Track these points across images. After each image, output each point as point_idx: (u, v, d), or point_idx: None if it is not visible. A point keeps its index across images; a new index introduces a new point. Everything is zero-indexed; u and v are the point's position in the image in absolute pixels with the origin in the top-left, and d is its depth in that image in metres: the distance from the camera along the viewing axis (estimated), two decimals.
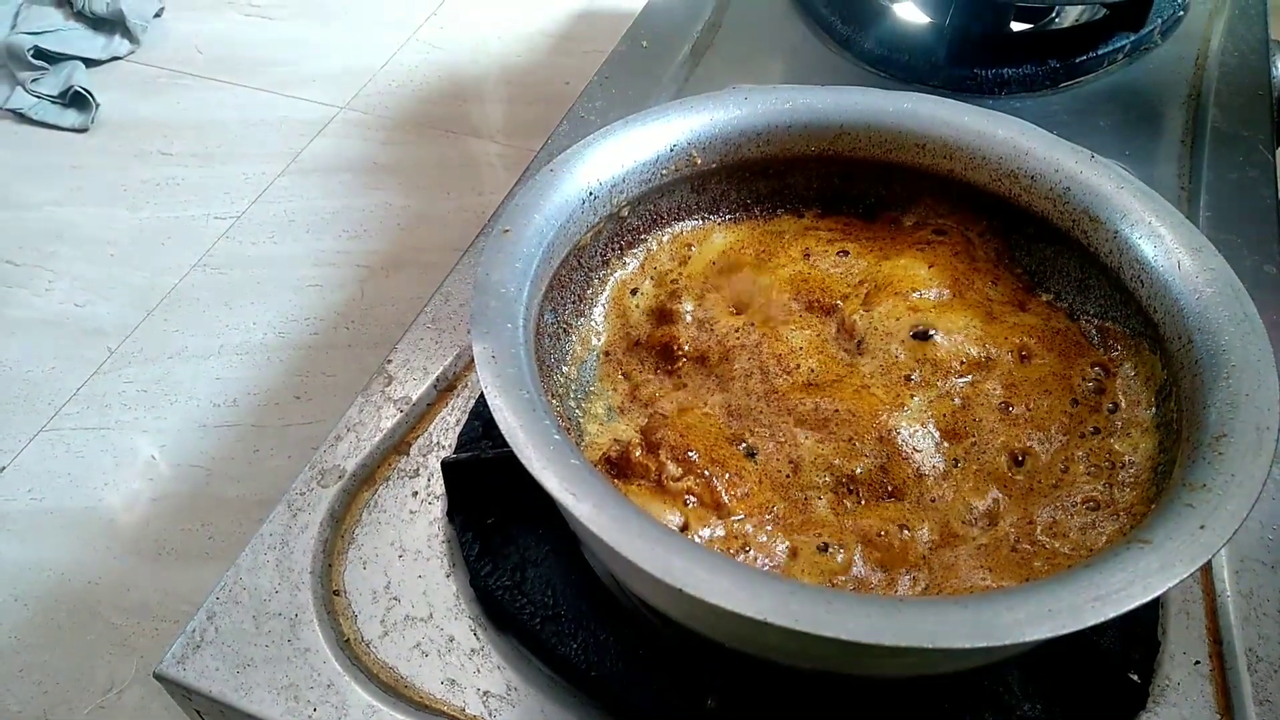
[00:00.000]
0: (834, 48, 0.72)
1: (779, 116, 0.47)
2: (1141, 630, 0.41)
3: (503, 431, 0.33)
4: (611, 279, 0.47)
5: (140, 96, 1.04)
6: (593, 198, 0.44)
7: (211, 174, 0.95)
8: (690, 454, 0.39)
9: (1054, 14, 0.72)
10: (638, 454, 0.40)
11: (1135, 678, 0.38)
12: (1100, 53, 0.70)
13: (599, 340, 0.46)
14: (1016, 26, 0.72)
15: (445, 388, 0.51)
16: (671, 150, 0.46)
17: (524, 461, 0.32)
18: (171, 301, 0.83)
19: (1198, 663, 0.41)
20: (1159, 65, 0.71)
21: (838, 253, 0.48)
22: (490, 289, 0.38)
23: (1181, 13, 0.74)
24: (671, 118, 0.46)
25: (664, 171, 0.46)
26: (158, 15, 1.12)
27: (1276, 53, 0.73)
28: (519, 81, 1.05)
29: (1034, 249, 0.46)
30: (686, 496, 0.39)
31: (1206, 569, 0.44)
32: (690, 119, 0.46)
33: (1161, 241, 0.40)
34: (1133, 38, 0.70)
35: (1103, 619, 0.27)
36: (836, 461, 0.40)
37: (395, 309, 0.82)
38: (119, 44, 1.08)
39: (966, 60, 0.68)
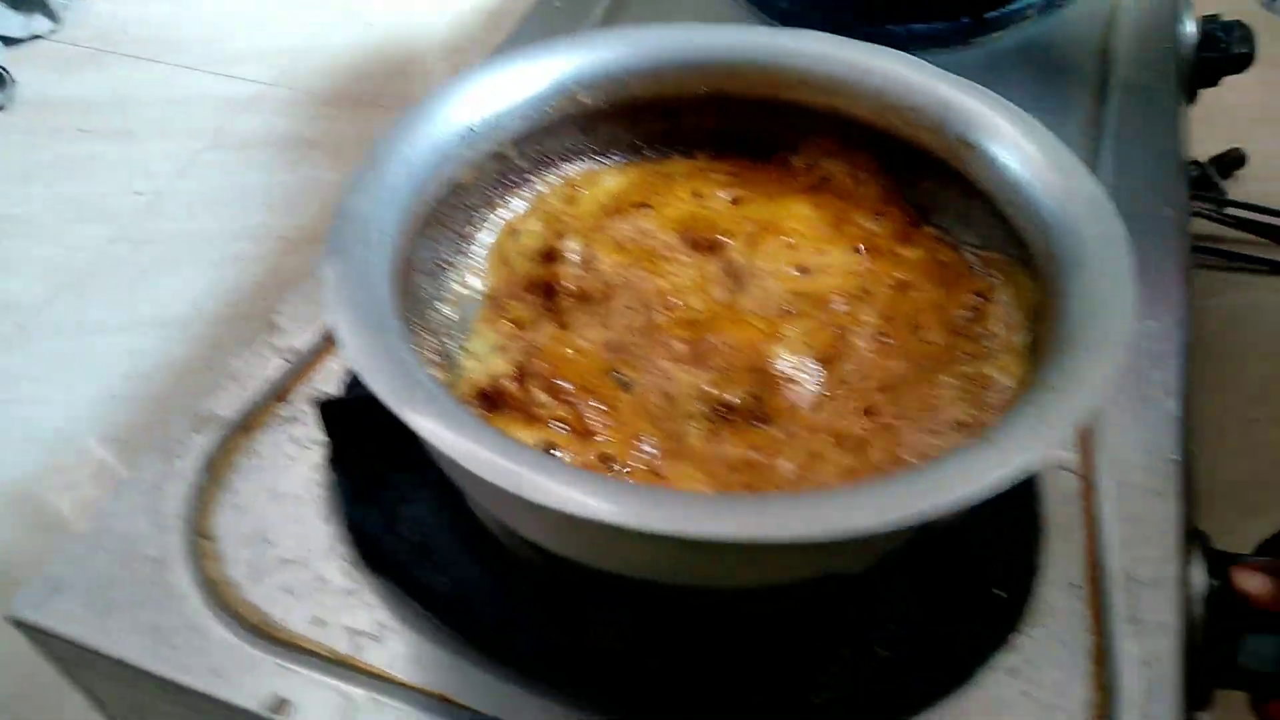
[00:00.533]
0: (747, 7, 0.71)
1: (666, 54, 0.46)
2: (1019, 555, 0.41)
3: (341, 346, 0.32)
4: (497, 219, 0.46)
5: (60, 75, 1.02)
6: (472, 133, 0.43)
7: (132, 150, 0.93)
8: (561, 384, 0.39)
9: None
10: (508, 386, 0.39)
11: (1001, 593, 0.38)
12: (1011, 9, 0.70)
13: (481, 281, 0.45)
14: None
15: (330, 338, 0.50)
16: (556, 87, 0.45)
17: (359, 373, 0.31)
18: (85, 276, 0.81)
19: (1075, 585, 0.41)
20: (1071, 22, 0.72)
21: (726, 194, 0.47)
22: (350, 216, 0.37)
23: None
24: (555, 54, 0.45)
25: (549, 109, 0.45)
26: None
27: (1186, 9, 0.74)
28: (451, 59, 1.04)
29: (920, 183, 0.45)
30: (554, 423, 0.38)
31: (1091, 495, 0.43)
32: (575, 56, 0.46)
33: (1031, 162, 0.40)
34: None
35: (931, 508, 0.27)
36: (711, 391, 0.40)
37: (314, 282, 0.80)
38: (39, 22, 1.06)
39: (877, 17, 0.68)
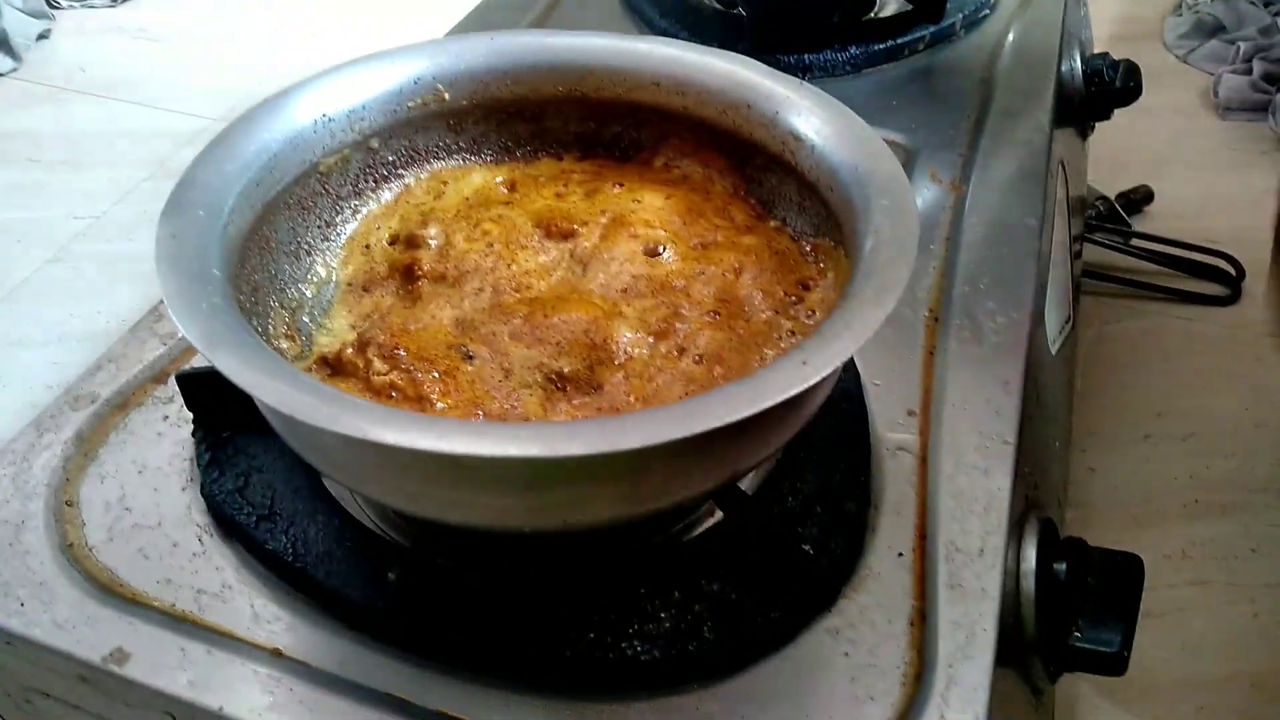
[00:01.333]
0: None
1: (524, 56, 0.49)
2: (846, 524, 0.42)
3: (164, 298, 0.34)
4: (363, 209, 0.49)
5: (16, 109, 1.06)
6: (328, 120, 0.46)
7: (76, 178, 0.97)
8: (399, 352, 0.41)
9: (874, 6, 0.77)
10: (348, 353, 0.41)
11: (810, 550, 0.40)
12: (900, 41, 0.74)
13: (342, 265, 0.47)
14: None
15: None
16: (415, 83, 0.48)
17: (171, 314, 0.33)
18: (18, 294, 0.84)
19: (900, 554, 0.42)
20: (958, 55, 0.75)
21: (586, 191, 0.50)
22: (191, 182, 0.40)
23: (987, 11, 0.79)
24: (415, 53, 0.49)
25: (410, 104, 0.48)
26: (43, 36, 1.15)
27: (1071, 46, 0.78)
28: None
29: (763, 179, 0.48)
30: (390, 391, 0.40)
31: (922, 470, 0.45)
32: (436, 55, 0.49)
33: (846, 151, 0.42)
34: (932, 29, 0.75)
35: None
36: (547, 362, 0.42)
37: None
38: (1, 61, 1.10)
39: (771, 48, 0.72)
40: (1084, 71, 0.77)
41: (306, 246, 0.46)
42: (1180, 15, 1.23)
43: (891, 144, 0.65)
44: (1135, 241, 0.92)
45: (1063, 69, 0.75)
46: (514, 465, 0.32)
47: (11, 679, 0.42)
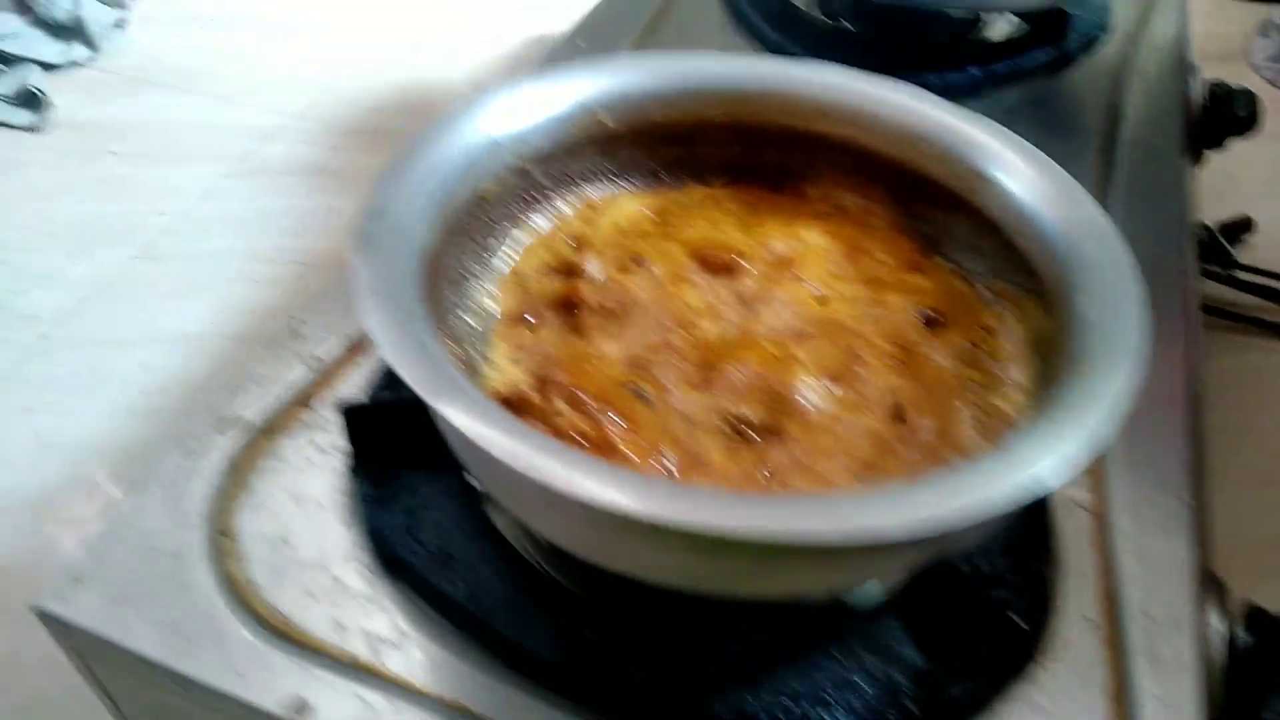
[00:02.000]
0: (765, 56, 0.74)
1: (684, 80, 0.48)
2: (1035, 588, 0.41)
3: (372, 336, 0.33)
4: (517, 234, 0.48)
5: (95, 100, 1.05)
6: (496, 145, 0.44)
7: (159, 173, 0.96)
8: (581, 395, 0.40)
9: (979, 25, 0.75)
10: (530, 394, 0.40)
11: (1018, 620, 0.38)
12: (1020, 64, 0.72)
13: (501, 291, 0.46)
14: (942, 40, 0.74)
15: (354, 347, 0.51)
16: (579, 108, 0.47)
17: (391, 363, 0.32)
18: (107, 291, 0.83)
19: (1091, 621, 0.41)
20: (1078, 80, 0.74)
21: (741, 222, 0.49)
22: (380, 209, 0.39)
23: (1101, 32, 0.77)
24: (577, 76, 0.47)
25: (571, 130, 0.47)
26: (119, 25, 1.14)
27: (1192, 73, 0.76)
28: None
29: (931, 215, 0.47)
30: (573, 433, 0.39)
31: (1105, 532, 0.44)
32: (597, 78, 0.47)
33: (1041, 193, 0.41)
34: (1052, 52, 0.73)
35: (953, 515, 0.28)
36: (727, 406, 0.41)
37: (334, 303, 0.82)
38: (78, 50, 1.09)
39: (889, 68, 0.70)
40: (1204, 98, 0.76)
41: (467, 273, 0.45)
42: (1269, 37, 1.20)
43: None
44: (1237, 274, 0.90)
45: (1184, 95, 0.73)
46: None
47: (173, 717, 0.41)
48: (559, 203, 0.49)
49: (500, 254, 0.47)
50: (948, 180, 0.45)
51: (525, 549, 0.42)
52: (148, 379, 0.76)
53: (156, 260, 0.86)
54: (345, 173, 0.96)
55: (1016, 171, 0.42)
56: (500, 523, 0.43)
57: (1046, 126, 0.69)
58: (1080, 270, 0.38)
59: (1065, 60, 0.74)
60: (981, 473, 0.31)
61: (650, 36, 0.76)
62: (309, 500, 0.45)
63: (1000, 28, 0.76)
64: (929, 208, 0.47)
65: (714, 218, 0.49)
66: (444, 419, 0.31)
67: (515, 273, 0.47)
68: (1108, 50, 0.77)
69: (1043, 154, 0.42)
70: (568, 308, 0.45)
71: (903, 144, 0.46)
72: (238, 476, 0.45)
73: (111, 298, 0.82)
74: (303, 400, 0.49)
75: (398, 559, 0.41)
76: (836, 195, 0.49)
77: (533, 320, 0.45)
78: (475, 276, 0.46)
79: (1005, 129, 0.44)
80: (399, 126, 1.02)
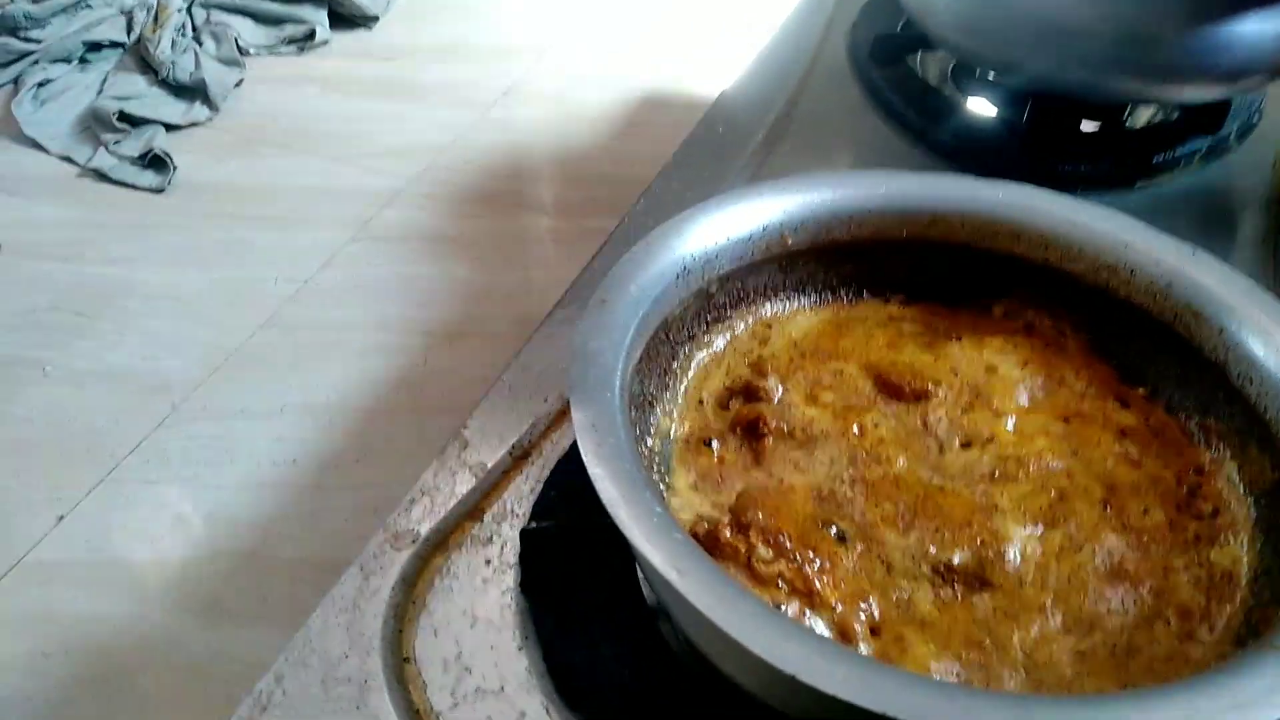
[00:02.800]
0: (907, 139, 0.72)
1: (872, 200, 0.47)
2: None
3: (604, 502, 0.32)
4: (697, 354, 0.47)
5: (216, 161, 1.07)
6: (686, 272, 0.44)
7: (281, 238, 0.97)
8: (781, 537, 0.38)
9: (1127, 114, 0.73)
10: (727, 534, 0.39)
11: None
12: (1176, 154, 0.70)
13: (682, 414, 0.45)
14: (1088, 126, 0.72)
15: (520, 455, 0.51)
16: (764, 229, 0.46)
17: (627, 534, 0.31)
18: (237, 360, 0.84)
19: None
20: (1236, 168, 0.71)
21: (922, 342, 0.47)
22: (589, 357, 0.38)
23: (1257, 118, 0.75)
24: (765, 197, 0.46)
25: (755, 250, 0.46)
26: (238, 85, 1.16)
27: None
28: (583, 162, 1.07)
29: (1131, 342, 0.45)
30: (777, 581, 0.38)
31: None
32: (783, 199, 0.47)
33: (1271, 339, 0.39)
34: (1210, 140, 0.70)
35: None
36: (932, 551, 0.39)
37: (457, 377, 0.82)
38: (199, 110, 1.11)
39: (1041, 156, 0.68)
40: None
41: (651, 398, 0.44)
42: None
43: None
44: None
45: None
46: None
47: None
48: (735, 321, 0.48)
49: (679, 374, 0.46)
50: (1157, 312, 0.43)
51: (713, 683, 0.41)
52: (278, 451, 0.77)
53: (283, 329, 0.87)
54: (463, 239, 0.97)
55: (1243, 314, 0.40)
56: (683, 655, 0.42)
57: (1207, 220, 0.67)
58: None
59: (1223, 149, 0.71)
60: (1239, 679, 0.29)
61: (787, 118, 0.75)
62: (484, 622, 0.44)
63: (1147, 113, 0.74)
64: (1128, 334, 0.45)
65: (894, 338, 0.48)
66: (677, 596, 0.30)
67: (690, 397, 0.46)
68: (1265, 134, 0.74)
69: (1256, 284, 0.40)
70: (750, 433, 0.44)
71: (1106, 272, 0.44)
72: (414, 595, 0.45)
73: (241, 366, 0.84)
74: (473, 514, 0.48)
75: (579, 691, 0.40)
76: (1025, 314, 0.48)
77: (713, 445, 0.44)
78: (659, 400, 0.45)
79: (1222, 263, 0.42)
80: (509, 191, 1.03)
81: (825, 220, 0.47)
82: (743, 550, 0.38)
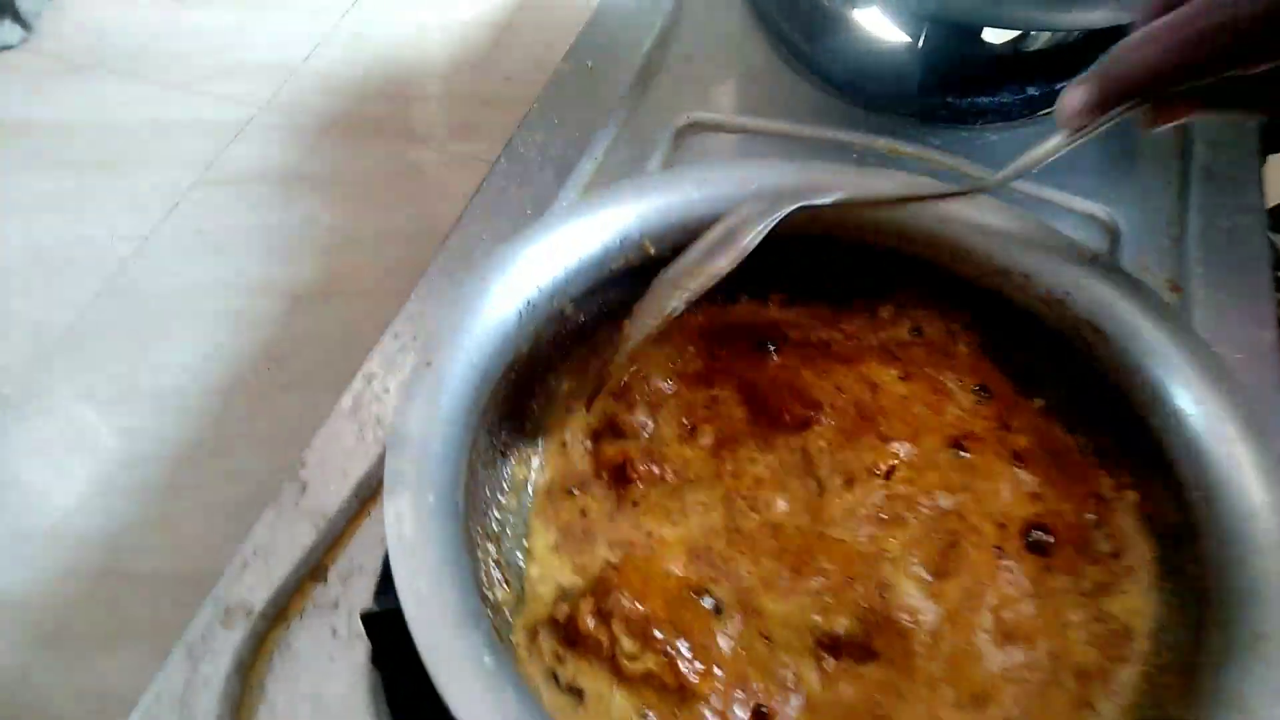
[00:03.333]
0: (798, 70, 0.66)
1: (741, 199, 0.41)
2: None
3: (422, 657, 0.27)
4: (553, 385, 0.41)
5: (34, 93, 0.95)
6: (531, 306, 0.38)
7: (114, 185, 0.87)
8: (648, 623, 0.34)
9: (1029, 36, 0.67)
10: (590, 624, 0.35)
11: None
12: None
13: (540, 460, 0.40)
14: (991, 37, 0.66)
15: (368, 495, 0.45)
16: (621, 243, 0.40)
17: (447, 702, 0.26)
18: (72, 339, 0.76)
19: None
20: None
21: (801, 356, 0.43)
22: (409, 443, 0.32)
23: None
24: (620, 204, 0.40)
25: (613, 266, 0.40)
26: None
27: None
28: (456, 78, 0.97)
29: (1026, 350, 0.41)
30: (646, 681, 0.34)
31: None
32: (640, 204, 0.40)
33: (1177, 370, 0.35)
34: None
35: None
36: (816, 619, 0.36)
37: (326, 344, 0.75)
38: (9, 31, 0.97)
39: (939, 89, 0.63)
40: None
41: (502, 448, 0.39)
42: None
43: (1090, 218, 0.58)
44: None
45: None
46: None
47: None
48: (597, 338, 0.42)
49: (538, 414, 0.41)
50: (1054, 323, 0.39)
51: None
52: (126, 446, 0.70)
53: (124, 297, 0.78)
54: (323, 177, 0.88)
55: (1145, 337, 0.36)
56: None
57: (1111, 157, 0.63)
58: (1232, 483, 0.32)
59: None
60: None
61: (663, 48, 0.67)
62: (334, 704, 0.39)
63: (1046, 36, 0.68)
64: (1022, 344, 0.41)
65: (772, 355, 0.43)
66: None
67: (556, 435, 0.41)
68: None
69: (1160, 298, 0.36)
70: (617, 478, 0.40)
71: (999, 276, 0.40)
72: (251, 680, 0.40)
73: (76, 347, 0.75)
74: (316, 573, 0.43)
75: None
76: (912, 315, 0.43)
77: (576, 493, 0.40)
78: (511, 450, 0.40)
79: (1130, 276, 0.38)
80: (375, 117, 0.93)
81: (692, 225, 0.41)
82: (605, 644, 0.34)
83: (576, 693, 0.34)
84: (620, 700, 0.33)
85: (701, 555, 0.37)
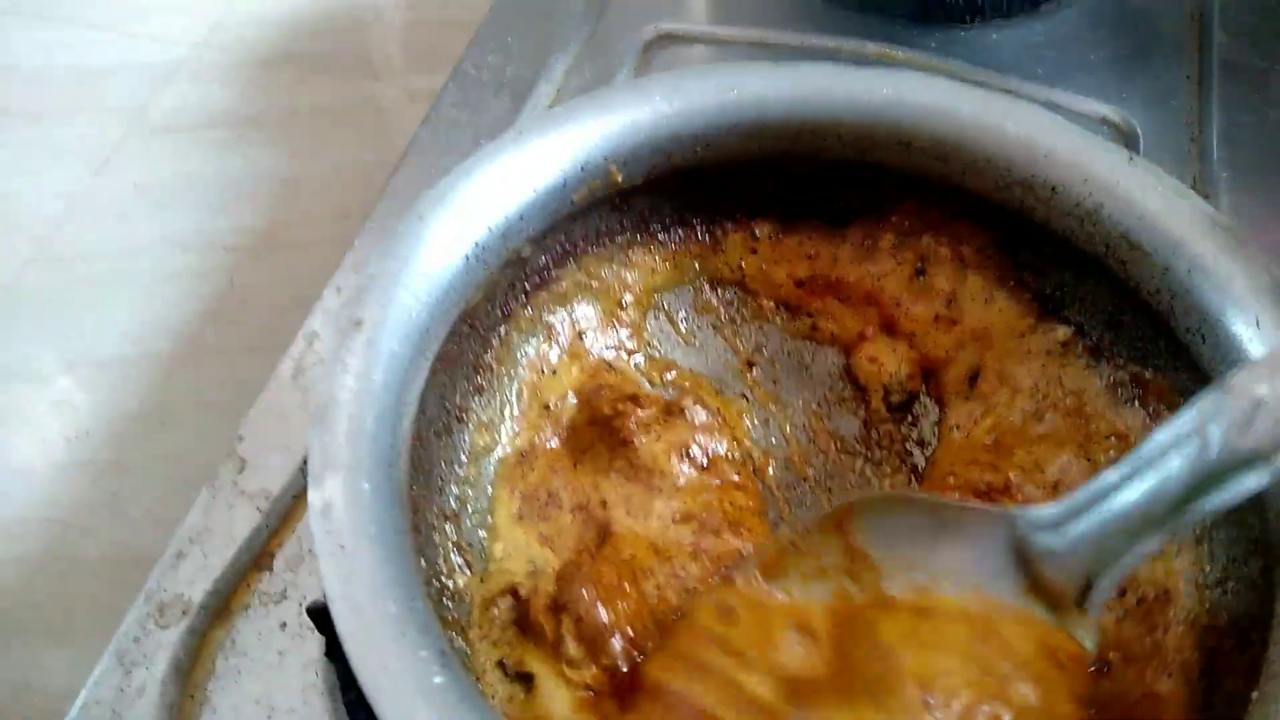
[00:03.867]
0: None
1: (720, 114, 0.36)
2: None
3: (361, 684, 0.23)
4: (517, 340, 0.36)
5: None
6: (481, 250, 0.32)
7: (40, 139, 0.80)
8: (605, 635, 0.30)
9: None
10: (538, 613, 0.30)
11: None
12: None
13: (507, 422, 0.35)
14: None
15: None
16: (583, 170, 0.35)
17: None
18: (4, 308, 0.70)
19: None
20: None
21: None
22: (337, 417, 0.27)
23: None
24: (580, 124, 0.35)
25: (574, 198, 0.35)
26: None
27: None
28: (406, 5, 0.90)
29: (1051, 271, 0.36)
30: (585, 691, 0.29)
31: None
32: (604, 123, 0.35)
33: (1227, 286, 0.30)
34: None
35: None
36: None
37: (271, 301, 0.69)
38: None
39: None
40: None
41: (458, 413, 0.34)
42: None
43: (1105, 121, 0.52)
44: None
45: None
46: None
47: None
48: (564, 281, 0.37)
49: (495, 369, 0.36)
50: (1084, 242, 0.34)
51: None
52: (67, 421, 0.64)
53: (55, 261, 0.72)
54: (264, 119, 0.81)
55: (1191, 249, 0.31)
56: None
57: (1123, 50, 0.57)
58: None
59: None
60: None
61: None
62: (283, 709, 0.35)
63: None
64: (1050, 264, 0.36)
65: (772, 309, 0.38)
66: None
67: (532, 398, 0.36)
68: None
69: (1231, 226, 0.31)
70: (606, 432, 0.35)
71: (1020, 189, 0.34)
72: (191, 685, 0.36)
73: (7, 317, 0.69)
74: (260, 561, 0.38)
75: None
76: (921, 242, 0.38)
77: (553, 458, 0.35)
78: (470, 413, 0.35)
79: (1162, 174, 0.33)
80: (321, 52, 0.86)
81: (662, 146, 0.35)
82: (549, 635, 0.30)
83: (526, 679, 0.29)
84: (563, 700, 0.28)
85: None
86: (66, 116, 0.82)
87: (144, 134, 0.80)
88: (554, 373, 0.35)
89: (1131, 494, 0.25)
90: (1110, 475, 0.26)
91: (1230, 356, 0.30)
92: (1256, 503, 0.28)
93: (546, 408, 0.35)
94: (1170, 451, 0.25)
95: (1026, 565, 0.27)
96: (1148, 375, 0.34)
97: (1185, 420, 0.25)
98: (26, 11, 0.89)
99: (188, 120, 0.81)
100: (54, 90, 0.84)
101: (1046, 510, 0.27)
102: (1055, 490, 0.33)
